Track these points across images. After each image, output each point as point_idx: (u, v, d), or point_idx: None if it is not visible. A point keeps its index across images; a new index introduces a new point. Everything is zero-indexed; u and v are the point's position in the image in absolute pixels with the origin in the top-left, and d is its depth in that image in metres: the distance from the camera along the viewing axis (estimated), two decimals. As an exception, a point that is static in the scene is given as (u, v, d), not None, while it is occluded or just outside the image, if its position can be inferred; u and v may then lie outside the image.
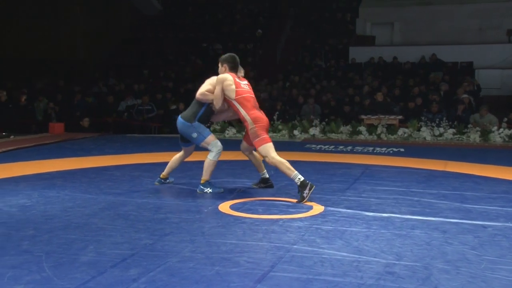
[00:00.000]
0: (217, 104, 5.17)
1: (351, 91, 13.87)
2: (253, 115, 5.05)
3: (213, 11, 20.83)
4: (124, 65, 17.77)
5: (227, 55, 5.41)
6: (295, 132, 11.44)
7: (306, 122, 11.74)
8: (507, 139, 10.65)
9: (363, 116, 11.86)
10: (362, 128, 11.39)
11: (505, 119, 11.20)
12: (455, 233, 3.86)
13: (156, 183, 5.72)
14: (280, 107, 12.68)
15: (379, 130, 11.27)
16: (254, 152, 5.47)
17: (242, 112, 5.07)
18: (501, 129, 10.87)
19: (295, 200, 4.91)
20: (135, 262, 3.13)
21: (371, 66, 16.18)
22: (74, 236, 3.69)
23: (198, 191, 5.27)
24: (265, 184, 5.55)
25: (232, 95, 5.07)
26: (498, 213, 4.50)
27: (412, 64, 15.76)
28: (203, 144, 5.27)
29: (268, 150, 4.98)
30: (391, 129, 11.32)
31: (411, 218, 4.29)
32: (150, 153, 8.59)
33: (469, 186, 5.83)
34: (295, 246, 3.49)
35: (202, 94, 5.22)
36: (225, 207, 4.65)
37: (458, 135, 10.93)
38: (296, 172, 4.86)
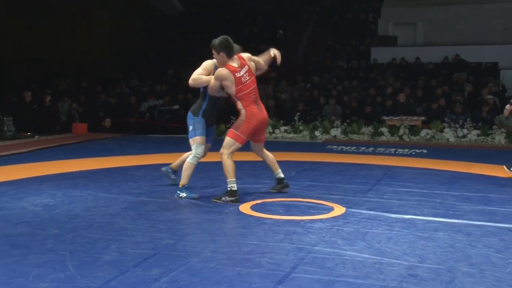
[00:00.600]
0: (212, 93, 5.03)
1: (372, 92, 13.77)
2: (249, 110, 4.86)
3: (234, 12, 20.88)
4: (146, 65, 17.92)
5: (220, 39, 4.97)
6: (316, 133, 11.39)
7: (328, 123, 11.69)
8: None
9: (385, 117, 11.76)
10: (384, 129, 11.29)
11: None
12: (479, 235, 3.81)
13: (162, 169, 5.68)
14: (302, 108, 12.64)
15: (401, 131, 11.16)
16: (265, 151, 5.29)
17: (239, 105, 4.89)
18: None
19: (316, 201, 4.89)
20: (156, 262, 3.15)
21: (393, 66, 16.04)
22: (97, 235, 3.73)
23: (175, 196, 5.08)
24: (281, 184, 5.32)
25: (233, 93, 4.88)
26: (523, 216, 4.42)
27: (435, 64, 15.58)
28: (190, 140, 5.14)
29: (231, 146, 4.87)
30: (413, 130, 11.21)
31: (434, 220, 4.24)
32: (171, 153, 8.63)
33: (493, 188, 5.73)
34: (316, 248, 3.47)
35: (193, 79, 4.96)
36: (246, 207, 4.65)
37: (483, 137, 10.76)
38: (235, 179, 4.81)
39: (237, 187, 5.15)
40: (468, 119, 11.17)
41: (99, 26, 18.03)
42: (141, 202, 4.86)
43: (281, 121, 11.82)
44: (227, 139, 4.90)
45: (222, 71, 4.86)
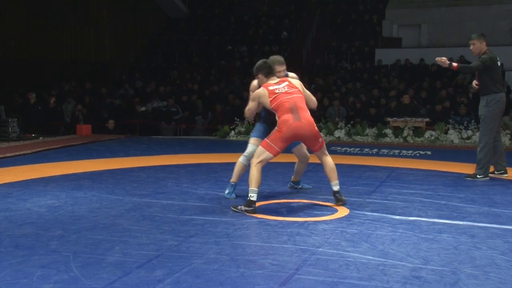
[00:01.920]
0: (249, 116, 5.10)
1: (376, 93, 13.76)
2: (281, 118, 4.71)
3: (238, 14, 20.91)
4: (150, 67, 17.97)
5: (259, 63, 5.02)
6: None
7: (332, 124, 11.68)
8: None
9: (389, 119, 11.74)
10: (388, 131, 11.27)
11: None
12: (484, 237, 3.79)
13: (289, 187, 5.70)
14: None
15: (405, 133, 11.14)
16: (326, 159, 4.96)
17: (276, 116, 4.80)
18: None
19: (320, 203, 4.89)
20: (160, 263, 3.16)
21: (397, 68, 16.03)
22: (101, 236, 3.74)
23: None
24: (336, 197, 5.06)
25: (268, 106, 4.85)
26: (528, 218, 4.40)
27: (439, 66, 15.52)
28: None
29: (260, 155, 4.69)
30: (417, 131, 11.19)
31: (438, 222, 4.23)
32: (175, 155, 8.66)
33: (498, 190, 5.71)
34: (320, 249, 3.47)
35: (246, 113, 5.14)
36: (249, 209, 4.64)
37: (487, 138, 10.72)
38: (257, 190, 4.60)
39: (240, 188, 5.16)
40: (473, 121, 11.15)
41: (105, 28, 18.08)
42: (145, 203, 4.87)
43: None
44: (259, 148, 4.78)
45: (257, 91, 4.96)
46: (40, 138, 10.72)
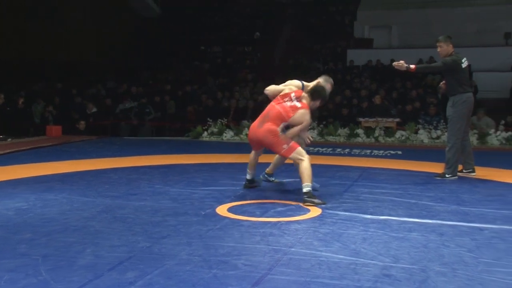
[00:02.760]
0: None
1: (348, 94, 13.89)
2: None
3: (211, 14, 20.86)
4: (122, 67, 17.79)
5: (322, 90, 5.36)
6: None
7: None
8: (504, 142, 10.68)
9: (360, 119, 11.88)
10: (359, 131, 11.40)
11: (502, 122, 11.24)
12: (452, 235, 3.87)
13: (261, 177, 5.89)
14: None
15: (376, 133, 11.29)
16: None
17: None
18: (498, 132, 10.91)
19: (293, 203, 4.92)
20: (132, 265, 3.13)
21: (369, 68, 16.22)
22: (72, 239, 3.69)
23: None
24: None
25: None
26: (494, 216, 4.51)
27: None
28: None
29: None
30: (388, 131, 11.34)
31: (408, 221, 4.30)
32: (147, 156, 8.60)
33: (466, 188, 5.84)
34: (292, 249, 3.49)
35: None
36: (222, 209, 4.65)
37: (456, 138, 10.93)
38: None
39: (214, 189, 5.17)
40: (442, 121, 11.35)
41: (76, 28, 17.83)
42: (117, 205, 4.82)
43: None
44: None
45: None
46: (9, 139, 10.51)
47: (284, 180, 6.10)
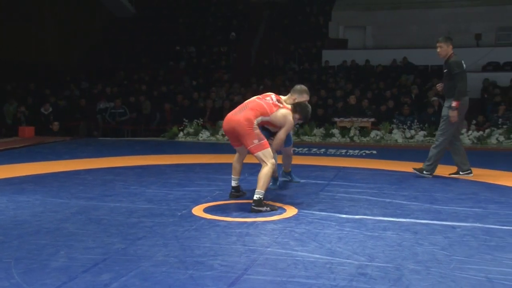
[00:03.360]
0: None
1: (324, 94, 13.98)
2: None
3: (186, 14, 20.76)
4: (96, 68, 17.59)
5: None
6: (269, 135, 11.46)
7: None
8: (475, 141, 10.87)
9: (336, 119, 11.96)
10: (335, 131, 11.49)
11: (474, 122, 11.44)
12: (426, 234, 3.93)
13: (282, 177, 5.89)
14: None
15: (352, 133, 11.39)
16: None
17: None
18: (470, 132, 11.10)
19: (269, 203, 4.92)
20: (107, 267, 3.10)
21: (344, 69, 16.34)
22: (44, 241, 3.64)
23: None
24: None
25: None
26: (467, 214, 4.59)
27: (384, 67, 15.96)
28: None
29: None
30: (363, 131, 11.45)
31: (383, 220, 4.35)
32: (123, 156, 8.52)
33: (439, 187, 5.93)
34: (268, 249, 3.50)
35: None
36: (199, 210, 4.63)
37: (429, 137, 11.11)
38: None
39: (190, 190, 5.14)
40: (416, 120, 11.51)
41: (49, 27, 17.55)
42: (91, 206, 4.76)
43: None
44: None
45: None
46: (-20, 140, 10.31)
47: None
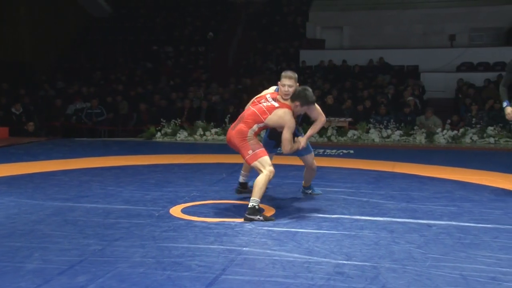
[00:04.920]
0: None
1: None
2: None
3: (164, 14, 20.64)
4: (72, 67, 17.37)
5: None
6: (247, 135, 11.46)
7: (258, 125, 11.78)
8: (450, 140, 11.04)
9: (313, 119, 12.00)
10: (313, 131, 11.52)
11: (449, 121, 11.62)
12: (402, 232, 3.97)
13: (301, 191, 5.62)
14: (233, 110, 12.69)
15: (329, 132, 11.45)
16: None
17: None
18: (445, 131, 11.27)
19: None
20: (83, 269, 3.07)
21: (321, 69, 16.43)
22: (19, 243, 3.58)
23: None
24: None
25: None
26: (442, 212, 4.66)
27: (360, 67, 16.10)
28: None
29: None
30: (341, 131, 11.52)
31: (360, 219, 4.38)
32: (100, 157, 8.43)
33: (415, 186, 6.00)
34: (246, 249, 3.50)
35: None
36: (176, 211, 4.62)
37: (405, 137, 11.24)
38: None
39: (167, 190, 5.11)
40: (392, 120, 11.63)
41: (24, 26, 17.26)
42: (67, 207, 4.70)
43: (212, 123, 11.85)
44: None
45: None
46: (-48, 141, 10.10)
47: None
